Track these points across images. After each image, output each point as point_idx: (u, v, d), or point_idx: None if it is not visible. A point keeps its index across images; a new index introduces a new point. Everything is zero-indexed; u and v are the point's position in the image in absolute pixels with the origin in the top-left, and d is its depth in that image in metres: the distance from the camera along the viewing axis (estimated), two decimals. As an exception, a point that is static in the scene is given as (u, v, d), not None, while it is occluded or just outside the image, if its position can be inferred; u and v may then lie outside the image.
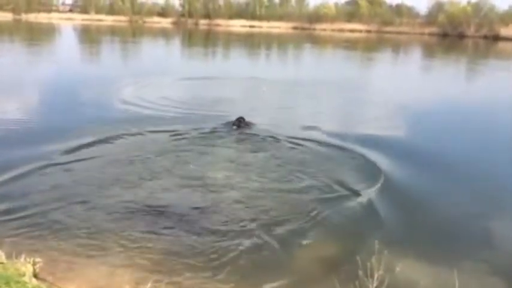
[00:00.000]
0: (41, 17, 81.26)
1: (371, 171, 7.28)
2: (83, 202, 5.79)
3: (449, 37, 66.65)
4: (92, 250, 4.68)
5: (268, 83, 16.98)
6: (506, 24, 67.37)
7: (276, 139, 9.16)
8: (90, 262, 4.49)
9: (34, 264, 4.13)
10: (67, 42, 40.45)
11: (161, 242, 4.89)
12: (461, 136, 10.31)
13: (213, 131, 9.77)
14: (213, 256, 4.67)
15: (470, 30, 69.06)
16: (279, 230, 5.23)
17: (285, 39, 56.96)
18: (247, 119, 10.34)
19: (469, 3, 75.93)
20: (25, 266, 4.04)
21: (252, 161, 7.92)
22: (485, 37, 65.30)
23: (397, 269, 3.87)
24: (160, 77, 18.18)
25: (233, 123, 10.25)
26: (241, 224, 5.35)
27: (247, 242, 4.94)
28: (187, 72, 19.92)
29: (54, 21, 75.87)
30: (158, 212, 5.58)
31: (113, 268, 4.41)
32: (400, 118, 12.04)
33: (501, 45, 54.69)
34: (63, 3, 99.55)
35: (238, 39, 52.25)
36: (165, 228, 5.19)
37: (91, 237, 4.92)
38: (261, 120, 10.37)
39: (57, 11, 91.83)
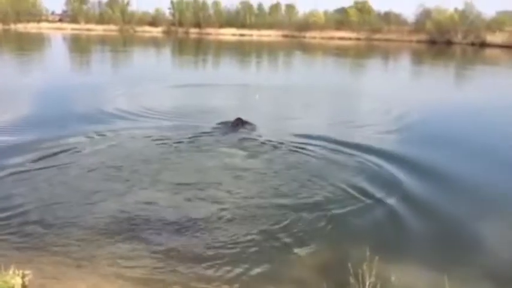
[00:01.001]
0: (31, 27, 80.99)
1: (364, 177, 7.30)
2: (72, 212, 5.71)
3: (437, 44, 67.35)
4: (82, 261, 4.63)
5: (261, 90, 17.02)
6: (493, 31, 68.29)
7: (270, 143, 9.22)
8: (80, 274, 4.44)
9: (23, 276, 4.08)
10: (57, 52, 40.28)
11: (151, 252, 4.85)
12: (456, 141, 10.30)
13: (211, 132, 9.94)
14: (204, 266, 4.64)
15: (458, 37, 69.84)
16: (270, 239, 5.21)
17: (275, 47, 57.18)
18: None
19: (456, 10, 76.96)
20: (14, 278, 3.99)
21: (247, 165, 7.95)
22: (472, 44, 66.07)
23: (389, 275, 3.88)
24: (152, 85, 18.20)
25: (231, 124, 10.48)
26: (232, 233, 5.31)
27: (238, 252, 4.91)
28: (179, 80, 19.97)
29: (44, 31, 75.64)
30: (149, 221, 5.53)
31: (103, 279, 4.37)
32: (395, 123, 12.11)
33: (488, 51, 55.38)
34: (52, 13, 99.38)
35: (229, 48, 52.40)
36: (155, 238, 5.14)
37: (80, 249, 4.86)
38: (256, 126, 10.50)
39: (47, 20, 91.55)
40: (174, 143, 9.02)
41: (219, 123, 10.58)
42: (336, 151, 8.74)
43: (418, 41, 72.39)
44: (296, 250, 4.99)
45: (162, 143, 8.95)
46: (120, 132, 9.68)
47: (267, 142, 9.26)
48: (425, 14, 78.39)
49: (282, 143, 9.15)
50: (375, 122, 12.13)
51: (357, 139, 9.69)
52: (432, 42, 69.73)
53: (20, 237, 5.05)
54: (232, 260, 4.74)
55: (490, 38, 65.66)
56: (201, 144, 9.03)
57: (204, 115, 11.87)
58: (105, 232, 5.23)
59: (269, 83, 20.54)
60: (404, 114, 13.16)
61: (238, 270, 4.58)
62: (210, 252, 4.88)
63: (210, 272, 4.54)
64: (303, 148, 8.88)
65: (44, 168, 7.27)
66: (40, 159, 7.67)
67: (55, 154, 7.97)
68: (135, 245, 4.97)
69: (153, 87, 17.66)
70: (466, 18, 71.70)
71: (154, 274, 4.49)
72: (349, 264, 3.81)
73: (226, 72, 27.33)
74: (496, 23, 71.91)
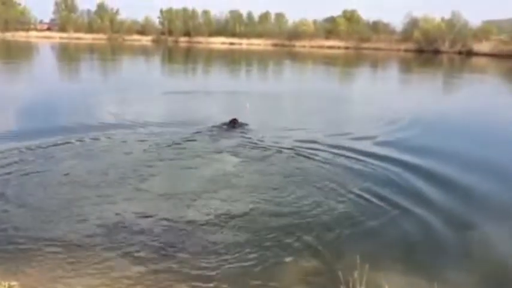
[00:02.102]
0: (19, 36, 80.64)
1: (355, 182, 7.29)
2: (57, 221, 5.59)
3: (425, 53, 68.22)
4: (68, 272, 4.55)
5: (252, 98, 17.08)
6: (479, 40, 69.49)
7: (263, 144, 9.44)
8: (66, 284, 4.36)
9: (9, 288, 4.02)
10: (45, 60, 40.05)
11: (138, 261, 4.76)
12: (452, 148, 10.30)
13: (208, 132, 10.28)
14: (192, 274, 4.58)
15: (445, 46, 70.96)
16: (259, 248, 5.16)
17: (265, 55, 57.46)
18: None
19: (443, 19, 78.20)
20: (0, 290, 3.92)
21: (240, 168, 7.99)
22: (459, 53, 67.17)
23: (379, 283, 3.88)
24: (141, 92, 18.28)
25: (228, 124, 10.83)
26: (221, 241, 5.25)
27: (226, 260, 4.86)
28: (169, 88, 19.93)
29: (32, 40, 75.33)
30: (137, 230, 5.44)
31: (91, 290, 4.31)
32: (384, 127, 12.28)
33: (475, 60, 56.24)
34: (41, 22, 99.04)
35: (219, 56, 52.57)
36: (142, 247, 5.06)
37: (67, 259, 4.76)
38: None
39: (35, 29, 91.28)
40: (166, 146, 9.04)
41: (215, 125, 10.83)
42: (329, 155, 8.82)
43: (406, 50, 73.38)
44: (286, 258, 4.96)
45: (154, 147, 8.95)
46: (109, 137, 9.63)
47: (260, 143, 9.49)
48: (413, 23, 79.60)
49: (275, 146, 9.27)
50: (367, 127, 12.19)
51: (349, 143, 9.79)
52: (420, 51, 70.68)
53: (4, 248, 4.96)
54: (221, 269, 4.69)
55: (477, 46, 66.81)
56: (197, 146, 9.16)
57: (196, 120, 11.88)
58: (91, 241, 5.14)
59: (259, 91, 20.63)
60: (392, 118, 13.36)
61: (226, 279, 4.53)
62: (198, 262, 4.82)
63: (198, 281, 4.49)
64: (296, 152, 8.94)
65: (26, 173, 7.16)
66: (21, 165, 7.54)
67: (37, 159, 7.87)
68: (121, 254, 4.89)
69: (143, 94, 17.73)
70: (453, 27, 72.96)
71: (141, 283, 4.43)
72: (340, 273, 3.80)
73: (216, 80, 27.38)
74: (483, 32, 73.23)
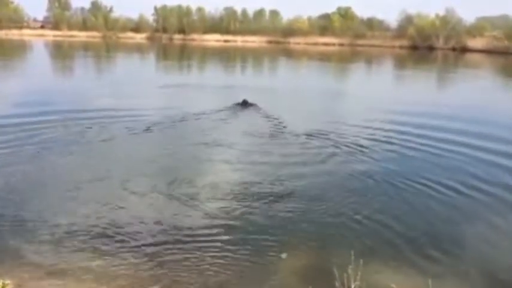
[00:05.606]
0: (12, 34, 79.99)
1: (352, 178, 7.35)
2: (51, 218, 5.56)
3: (419, 49, 68.32)
4: (62, 272, 4.53)
5: (248, 92, 17.16)
6: (473, 37, 69.67)
7: (268, 123, 11.07)
8: (61, 283, 4.35)
9: (4, 286, 4.00)
10: (38, 57, 39.74)
11: (132, 260, 4.75)
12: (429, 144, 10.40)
13: (222, 111, 12.29)
14: (186, 270, 4.57)
15: (439, 43, 71.05)
16: (255, 243, 5.18)
17: (260, 52, 57.35)
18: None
19: (437, 16, 78.25)
20: (-7, 288, 3.91)
21: (246, 148, 8.79)
22: (453, 49, 67.31)
23: (374, 279, 3.88)
24: (137, 87, 18.56)
25: (240, 104, 13.18)
26: (216, 237, 5.26)
27: (221, 256, 4.87)
28: (162, 83, 20.13)
29: (26, 38, 74.75)
30: (134, 227, 5.42)
31: (86, 288, 4.30)
32: (364, 118, 12.56)
33: (469, 56, 56.37)
34: (34, 20, 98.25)
35: (214, 53, 52.45)
36: (138, 246, 5.04)
37: (61, 257, 4.76)
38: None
39: (28, 27, 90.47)
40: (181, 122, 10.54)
41: (232, 103, 13.20)
42: (332, 146, 9.14)
43: (401, 47, 73.41)
44: (281, 254, 4.97)
45: (154, 139, 9.55)
46: (107, 126, 10.01)
47: (266, 118, 11.41)
48: (408, 20, 79.55)
49: (280, 120, 10.94)
50: (367, 119, 12.40)
51: (351, 135, 10.19)
52: (414, 48, 70.75)
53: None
54: (216, 265, 4.69)
55: (471, 43, 67.00)
56: (213, 122, 10.76)
57: (203, 106, 12.90)
58: (84, 239, 5.12)
59: (256, 86, 20.78)
60: (379, 110, 13.88)
61: (221, 276, 4.54)
62: (193, 257, 4.82)
63: (192, 278, 4.48)
64: (297, 141, 9.52)
65: (17, 168, 7.16)
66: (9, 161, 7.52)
67: (25, 153, 7.89)
68: (115, 251, 4.88)
69: (142, 87, 18.23)
70: (447, 24, 72.98)
71: (133, 281, 4.42)
72: (334, 268, 3.81)
73: (212, 76, 27.39)
74: (476, 29, 73.39)
